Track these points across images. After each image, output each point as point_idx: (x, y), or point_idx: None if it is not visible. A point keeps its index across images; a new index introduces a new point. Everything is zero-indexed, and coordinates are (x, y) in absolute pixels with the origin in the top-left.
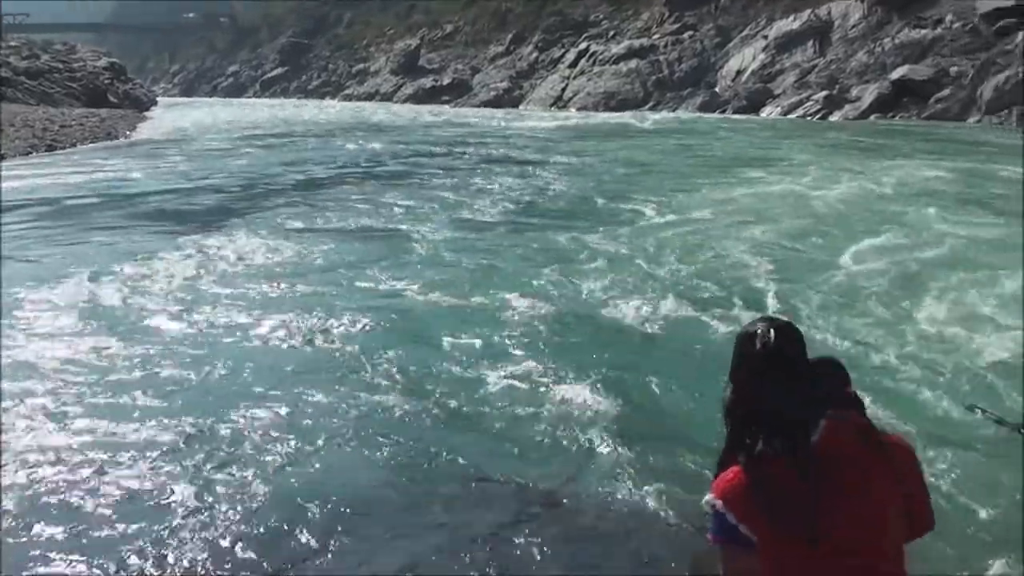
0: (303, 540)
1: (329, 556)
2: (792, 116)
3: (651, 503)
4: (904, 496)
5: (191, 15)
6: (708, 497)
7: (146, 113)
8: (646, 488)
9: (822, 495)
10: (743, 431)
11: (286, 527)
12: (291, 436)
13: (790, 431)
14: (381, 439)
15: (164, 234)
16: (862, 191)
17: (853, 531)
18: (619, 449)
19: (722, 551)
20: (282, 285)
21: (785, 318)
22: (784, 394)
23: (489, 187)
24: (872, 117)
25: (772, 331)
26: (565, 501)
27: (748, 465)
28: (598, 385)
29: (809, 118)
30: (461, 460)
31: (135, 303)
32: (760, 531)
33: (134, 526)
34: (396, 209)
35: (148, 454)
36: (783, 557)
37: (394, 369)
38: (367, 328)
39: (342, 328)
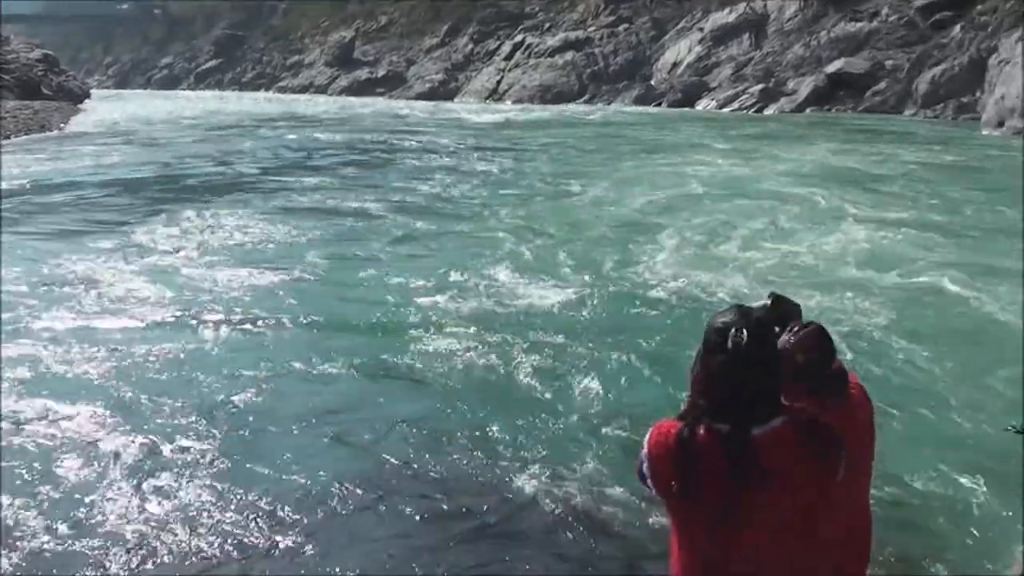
0: (257, 534)
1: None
2: (728, 109)
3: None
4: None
5: (125, 6)
6: (645, 439)
7: (80, 106)
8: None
9: (745, 485)
10: (699, 401)
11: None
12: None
13: (739, 421)
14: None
15: (99, 224)
16: (759, 171)
17: (770, 529)
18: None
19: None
20: (227, 273)
21: (758, 309)
22: (746, 397)
23: (423, 176)
24: (808, 110)
25: (744, 333)
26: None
27: (685, 430)
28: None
29: (745, 111)
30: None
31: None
32: (670, 500)
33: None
34: (344, 198)
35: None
36: (693, 534)
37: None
38: (321, 312)
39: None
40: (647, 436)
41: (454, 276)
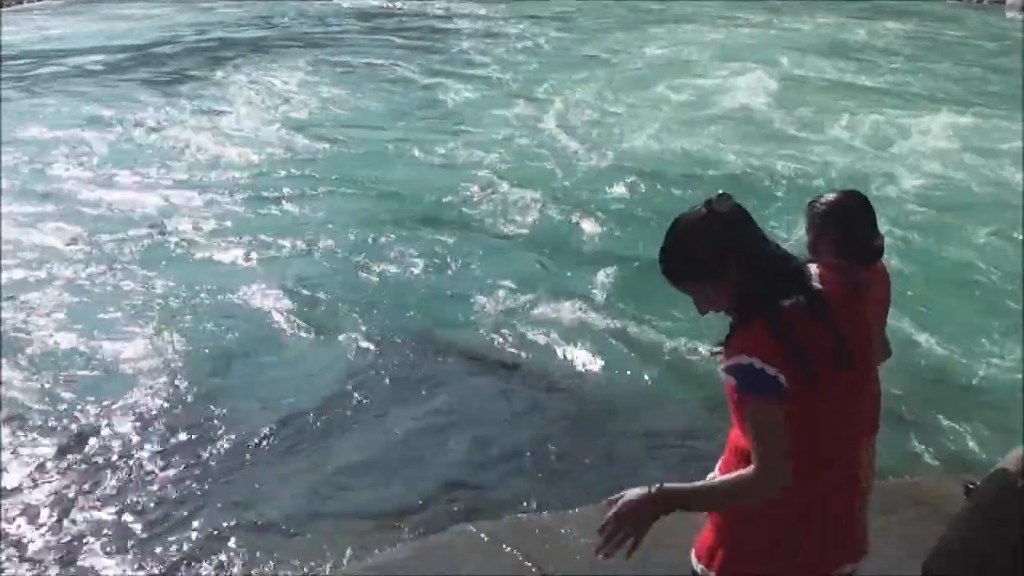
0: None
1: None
2: None
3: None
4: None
5: None
6: (740, 359)
7: None
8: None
9: (850, 354)
10: (763, 290)
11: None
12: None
13: (805, 282)
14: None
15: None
16: (760, 40)
17: (862, 363)
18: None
19: (766, 404)
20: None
21: None
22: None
23: (447, 40)
24: None
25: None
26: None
27: (773, 320)
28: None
29: None
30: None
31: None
32: (795, 395)
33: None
34: (374, 58)
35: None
36: (812, 402)
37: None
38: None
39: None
40: (742, 358)
41: (470, 139)
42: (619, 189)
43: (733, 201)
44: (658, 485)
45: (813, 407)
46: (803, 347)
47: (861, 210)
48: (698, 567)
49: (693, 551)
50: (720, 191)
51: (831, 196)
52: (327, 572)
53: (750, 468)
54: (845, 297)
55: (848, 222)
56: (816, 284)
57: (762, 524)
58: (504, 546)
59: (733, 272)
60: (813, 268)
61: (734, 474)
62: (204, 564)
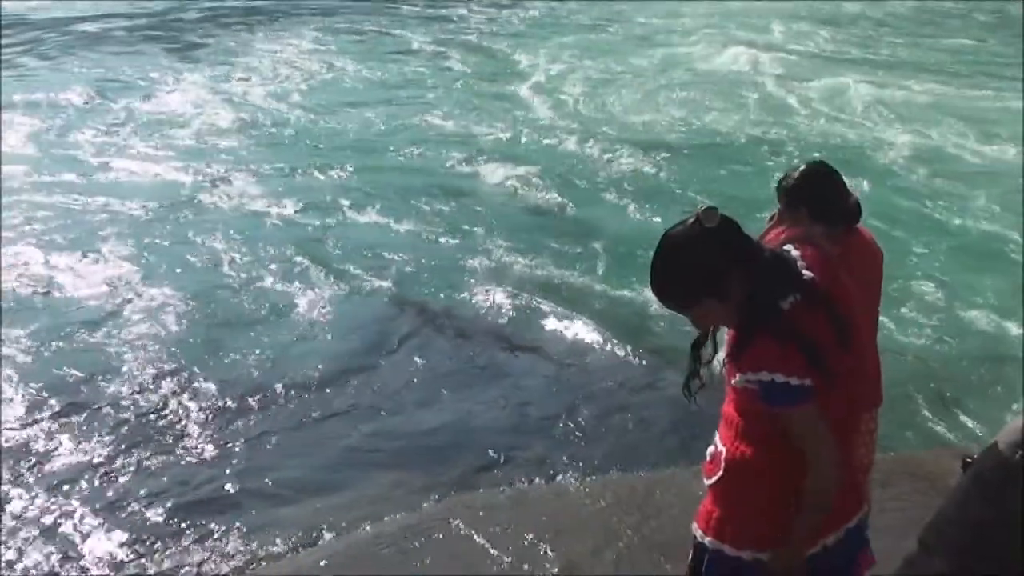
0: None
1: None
2: None
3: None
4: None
5: None
6: (761, 375)
7: None
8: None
9: (848, 338)
10: (764, 298)
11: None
12: None
13: (799, 277)
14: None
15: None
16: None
17: (856, 338)
18: None
19: (803, 410)
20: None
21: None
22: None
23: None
24: None
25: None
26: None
27: (776, 328)
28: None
29: None
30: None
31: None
32: (815, 381)
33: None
34: (374, 25)
35: None
36: (823, 398)
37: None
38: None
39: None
40: (762, 376)
41: (476, 109)
42: (623, 159)
43: (720, 213)
44: (768, 554)
45: (823, 401)
46: (811, 344)
47: (828, 176)
48: (705, 539)
49: (696, 523)
50: (706, 205)
51: (796, 171)
52: (327, 540)
53: (808, 476)
54: (829, 270)
55: (818, 190)
56: (805, 272)
57: (762, 508)
58: (503, 517)
59: (735, 289)
60: (794, 251)
61: (804, 493)
62: (220, 530)
